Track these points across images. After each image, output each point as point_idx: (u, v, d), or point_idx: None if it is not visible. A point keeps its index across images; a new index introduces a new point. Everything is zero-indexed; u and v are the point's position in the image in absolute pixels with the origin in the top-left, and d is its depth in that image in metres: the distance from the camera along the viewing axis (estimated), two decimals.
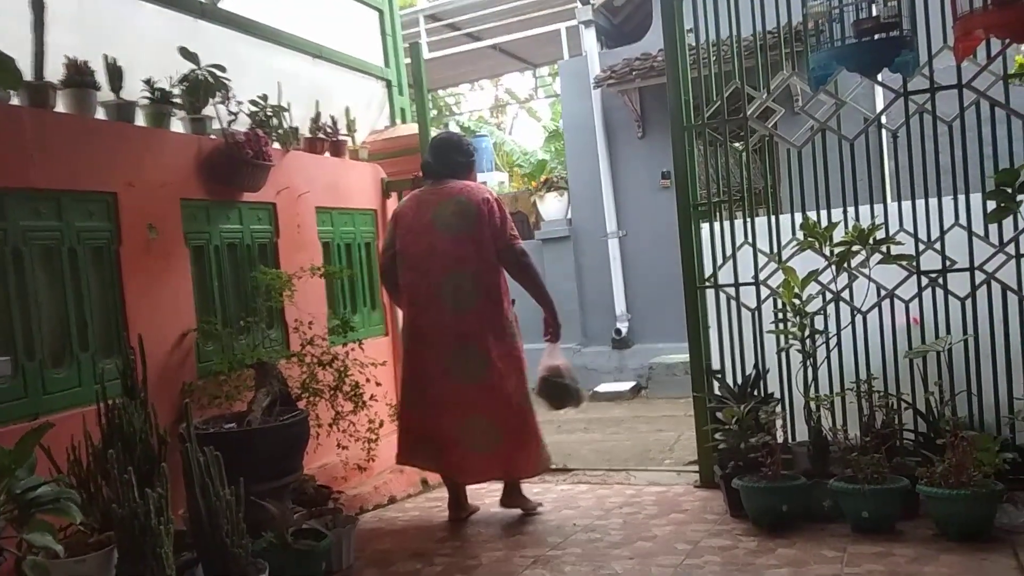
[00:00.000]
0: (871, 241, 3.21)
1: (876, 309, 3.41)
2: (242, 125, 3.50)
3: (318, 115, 4.21)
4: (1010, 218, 3.11)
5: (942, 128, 3.34)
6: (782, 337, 3.44)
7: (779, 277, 3.43)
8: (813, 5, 3.43)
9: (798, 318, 3.30)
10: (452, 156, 3.63)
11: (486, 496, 3.74)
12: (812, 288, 3.34)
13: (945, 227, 3.32)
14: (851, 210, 3.48)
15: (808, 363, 3.33)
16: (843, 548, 2.81)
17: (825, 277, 3.38)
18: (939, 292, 3.33)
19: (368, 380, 3.60)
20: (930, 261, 3.32)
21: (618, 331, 9.11)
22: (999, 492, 2.79)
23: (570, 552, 3.02)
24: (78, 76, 2.90)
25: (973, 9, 2.93)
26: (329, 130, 4.25)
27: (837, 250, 3.27)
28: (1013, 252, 3.19)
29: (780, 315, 3.45)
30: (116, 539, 2.11)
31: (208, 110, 3.38)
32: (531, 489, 3.88)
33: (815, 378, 3.36)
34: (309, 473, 3.40)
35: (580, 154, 9.42)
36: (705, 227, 3.76)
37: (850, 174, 3.48)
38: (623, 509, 3.56)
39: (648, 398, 8.19)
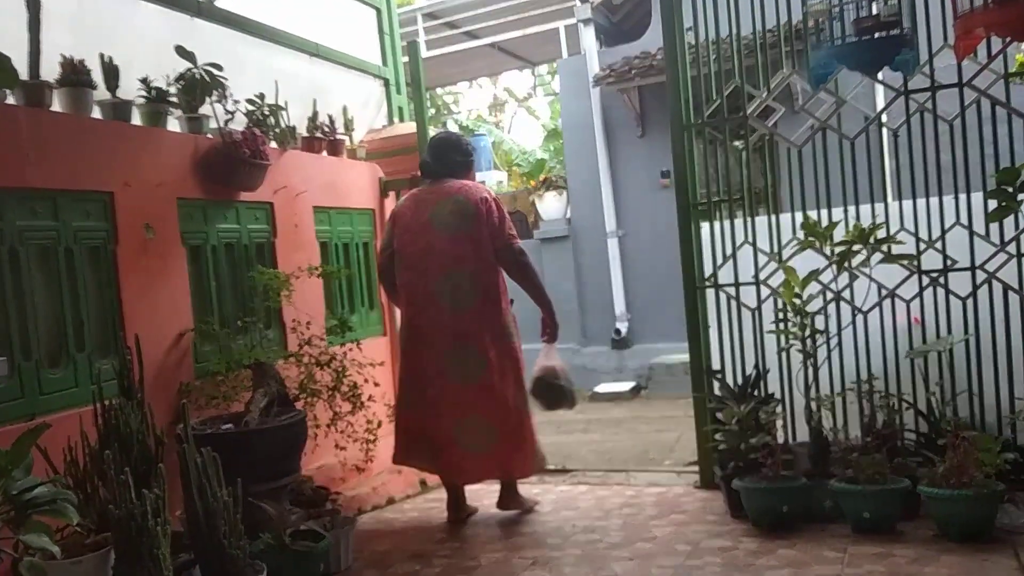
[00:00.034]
0: (872, 240, 3.20)
1: (877, 309, 3.40)
2: (239, 124, 3.48)
3: (315, 114, 4.19)
4: (1011, 217, 3.10)
5: (943, 127, 3.33)
6: (782, 337, 3.43)
7: (779, 277, 3.42)
8: (813, 3, 3.43)
9: (798, 318, 3.29)
10: (451, 156, 3.62)
11: (485, 497, 3.72)
12: (813, 288, 3.33)
13: (946, 226, 3.31)
14: (852, 209, 3.47)
15: (809, 363, 3.32)
16: (844, 549, 2.80)
17: (826, 277, 3.37)
18: (940, 292, 3.32)
19: (366, 380, 3.59)
20: (931, 260, 3.31)
21: (617, 331, 9.10)
22: (1000, 492, 2.79)
23: (570, 553, 3.01)
24: (74, 75, 2.88)
25: (974, 7, 2.92)
26: (327, 129, 4.24)
27: (838, 249, 3.26)
28: (1014, 251, 3.19)
29: (780, 315, 3.44)
30: (113, 540, 2.10)
31: (205, 109, 3.37)
32: (531, 490, 3.88)
33: (816, 378, 3.35)
34: (307, 474, 3.39)
35: (579, 153, 9.41)
36: (705, 226, 3.75)
37: (851, 173, 3.47)
38: (623, 510, 3.55)
39: (648, 398, 8.18)
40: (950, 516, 2.81)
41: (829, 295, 3.42)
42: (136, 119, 3.17)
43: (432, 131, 4.62)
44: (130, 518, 2.04)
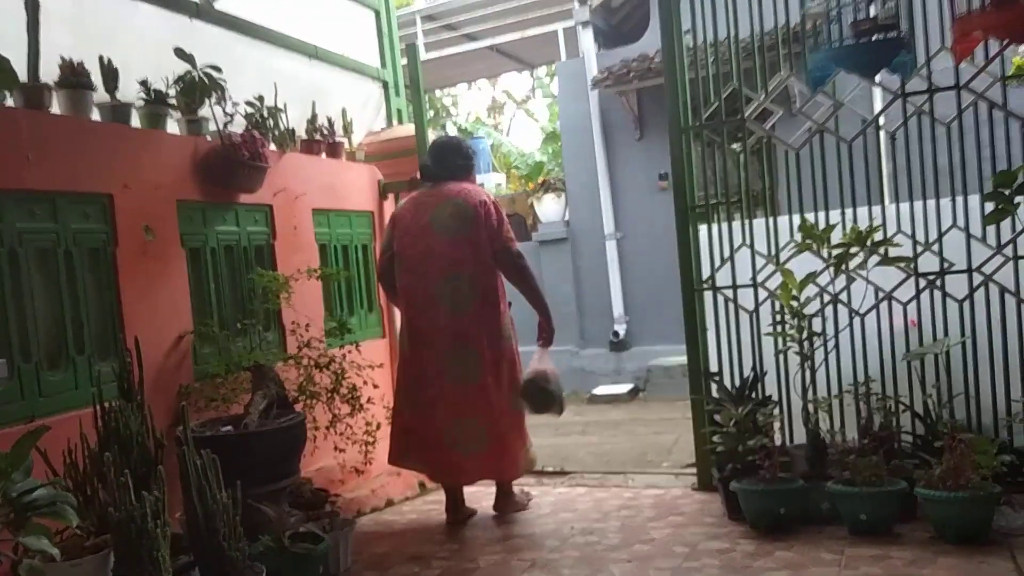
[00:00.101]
0: (869, 243, 3.21)
1: (874, 311, 3.41)
2: (238, 126, 3.49)
3: (315, 116, 4.20)
4: (1008, 220, 3.10)
5: (940, 129, 3.34)
6: (780, 339, 3.44)
7: (777, 279, 3.42)
8: (811, 6, 3.45)
9: (796, 320, 3.30)
10: (451, 159, 3.63)
11: (484, 499, 3.73)
12: (810, 290, 3.34)
13: (943, 229, 3.32)
14: (849, 212, 3.47)
15: (806, 365, 3.33)
16: (841, 551, 2.81)
17: (823, 279, 3.38)
18: (937, 294, 3.33)
19: (365, 382, 3.60)
20: (928, 263, 3.32)
21: (616, 333, 9.11)
22: (997, 495, 2.80)
23: (568, 555, 3.02)
24: (73, 77, 2.88)
25: (971, 10, 2.94)
26: (326, 131, 4.24)
27: (835, 252, 3.27)
28: (1011, 254, 3.19)
29: (778, 317, 3.45)
30: (112, 542, 2.10)
31: (204, 111, 3.37)
32: (530, 492, 3.88)
33: (813, 380, 3.35)
34: (306, 476, 3.39)
35: (577, 155, 9.42)
36: (703, 229, 3.76)
37: (848, 176, 3.48)
38: (621, 512, 3.56)
39: (646, 400, 8.19)
40: (947, 518, 2.81)
41: (826, 297, 3.43)
42: (135, 121, 3.18)
43: (431, 133, 4.64)
44: (130, 520, 2.05)
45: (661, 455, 5.49)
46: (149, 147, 3.15)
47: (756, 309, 3.60)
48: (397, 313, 4.33)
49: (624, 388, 8.48)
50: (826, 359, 3.43)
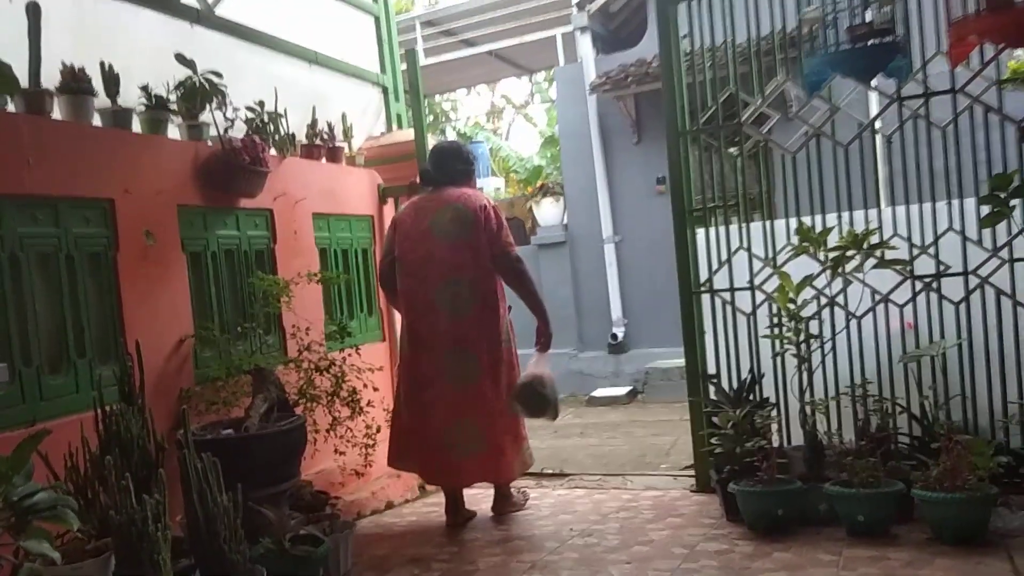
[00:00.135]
0: (865, 246, 3.23)
1: (871, 314, 3.43)
2: (239, 131, 3.51)
3: (315, 121, 4.22)
4: (1004, 223, 3.12)
5: (936, 133, 3.36)
6: (777, 342, 3.46)
7: (774, 282, 3.44)
8: (807, 11, 3.47)
9: (793, 323, 3.32)
10: (452, 164, 3.65)
11: (483, 501, 3.74)
12: (807, 293, 3.35)
13: (939, 232, 3.34)
14: (845, 215, 3.50)
15: (803, 367, 3.34)
16: (839, 552, 2.82)
17: (820, 282, 3.39)
18: (933, 297, 3.35)
19: (365, 385, 3.61)
20: (924, 266, 3.34)
21: (614, 336, 9.13)
22: (993, 496, 2.81)
23: (567, 557, 3.03)
24: (74, 82, 2.90)
25: (967, 15, 2.96)
26: (326, 136, 4.26)
27: (832, 255, 3.29)
28: (1007, 256, 3.21)
29: (775, 320, 3.46)
30: (113, 546, 2.11)
31: (205, 116, 3.39)
32: (529, 494, 3.90)
33: (810, 382, 3.37)
34: (306, 479, 3.40)
35: (576, 159, 9.44)
36: (700, 232, 3.77)
37: (844, 179, 3.50)
38: (620, 514, 3.57)
39: (644, 403, 8.20)
40: (944, 519, 2.82)
41: (823, 300, 3.45)
42: (136, 126, 3.19)
43: (430, 138, 4.65)
44: (131, 523, 2.05)
45: (660, 457, 5.49)
46: (150, 152, 3.17)
47: (754, 312, 3.61)
48: (397, 316, 4.35)
49: (623, 390, 8.49)
50: (823, 361, 3.44)
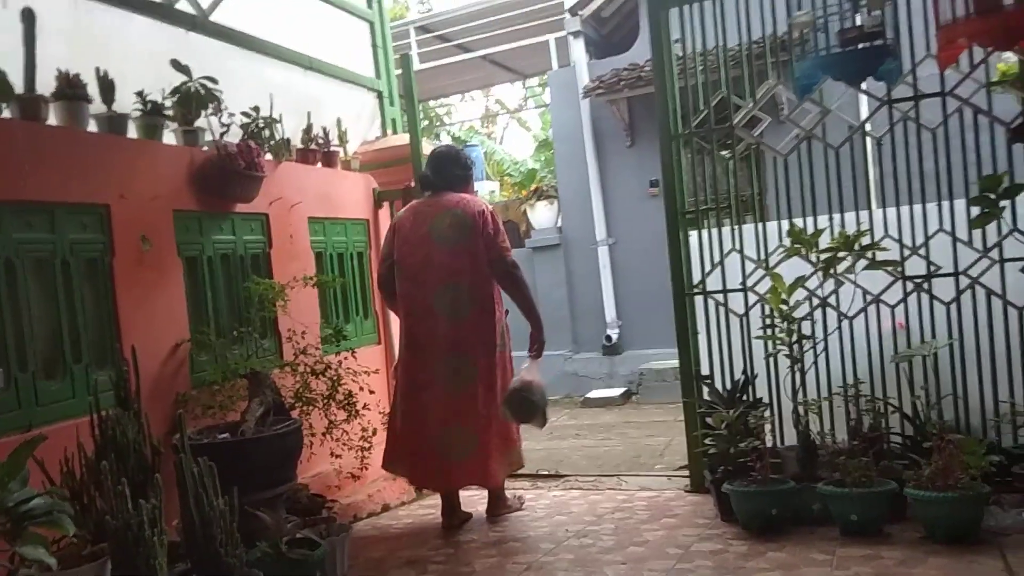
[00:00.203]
0: (857, 247, 3.25)
1: (862, 314, 3.45)
2: (234, 137, 3.52)
3: (310, 126, 4.23)
4: (994, 223, 3.15)
5: (926, 135, 3.38)
6: (770, 342, 3.48)
7: (766, 283, 3.46)
8: (798, 15, 3.49)
9: (785, 324, 3.34)
10: (450, 169, 3.67)
11: (479, 503, 3.75)
12: (799, 294, 3.37)
13: (929, 233, 3.36)
14: (837, 217, 3.52)
15: (796, 368, 3.36)
16: (832, 551, 2.83)
17: (812, 283, 3.42)
18: (924, 297, 3.37)
19: (361, 388, 3.62)
20: (915, 267, 3.36)
21: (608, 337, 9.15)
22: (986, 494, 2.82)
23: (563, 558, 3.04)
24: (70, 89, 2.91)
25: (956, 18, 2.98)
26: (321, 141, 4.27)
27: (823, 256, 3.31)
28: (997, 257, 3.23)
29: (768, 321, 3.49)
30: (110, 551, 2.11)
31: (200, 122, 3.40)
32: (524, 495, 3.91)
33: (803, 383, 3.39)
34: (303, 482, 3.41)
35: (570, 163, 9.47)
36: (693, 234, 3.79)
37: (835, 181, 3.53)
38: (615, 514, 3.58)
39: (638, 404, 8.22)
40: (937, 518, 2.84)
41: (815, 301, 3.47)
42: (132, 132, 3.20)
43: (425, 142, 4.67)
44: (127, 528, 2.06)
45: (654, 458, 5.51)
46: (146, 158, 3.18)
47: (746, 313, 3.63)
48: (393, 319, 4.37)
49: (617, 391, 8.51)
50: (816, 362, 3.47)
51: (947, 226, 3.34)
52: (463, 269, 3.48)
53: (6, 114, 2.74)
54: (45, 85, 2.86)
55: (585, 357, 9.27)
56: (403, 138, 4.89)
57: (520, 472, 3.94)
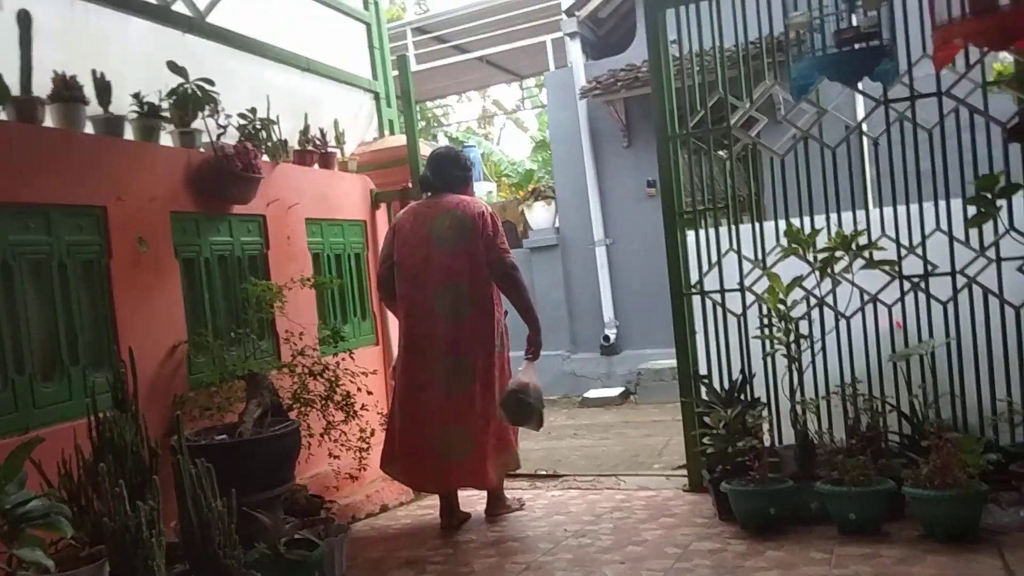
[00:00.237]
0: (854, 247, 3.25)
1: (860, 314, 3.45)
2: (231, 138, 3.52)
3: (307, 127, 4.23)
4: (990, 223, 3.15)
5: (922, 135, 3.39)
6: (767, 342, 3.48)
7: (764, 283, 3.46)
8: (795, 16, 3.49)
9: (783, 323, 3.34)
10: (450, 170, 3.68)
11: (478, 503, 3.75)
12: (796, 294, 3.37)
13: (927, 232, 3.37)
14: (834, 216, 3.52)
15: (793, 367, 3.37)
16: (830, 550, 2.84)
17: (809, 283, 3.42)
18: (921, 296, 3.38)
19: (359, 389, 3.62)
20: (912, 266, 3.37)
21: (606, 337, 9.15)
22: (984, 493, 2.83)
23: (561, 558, 3.04)
24: (66, 91, 2.90)
25: (952, 18, 2.98)
26: (318, 142, 4.28)
27: (820, 256, 3.31)
28: (994, 256, 3.24)
29: (765, 320, 3.49)
30: (107, 552, 2.11)
31: (197, 123, 3.40)
32: (523, 495, 3.91)
33: (801, 382, 3.39)
34: (301, 483, 3.41)
35: (567, 164, 9.48)
36: (691, 234, 3.80)
37: (832, 181, 3.53)
38: (613, 514, 3.59)
39: (637, 403, 8.23)
40: (935, 517, 2.84)
41: (813, 301, 3.47)
42: (128, 134, 3.20)
43: (422, 143, 4.67)
44: (124, 530, 2.06)
45: (652, 457, 5.52)
46: (142, 159, 3.17)
47: (744, 313, 3.64)
48: (391, 320, 4.36)
49: (615, 391, 8.52)
50: (813, 361, 3.47)
51: (944, 225, 3.35)
52: (463, 270, 3.49)
53: (2, 116, 2.74)
54: (41, 87, 2.86)
55: (583, 357, 9.28)
56: (400, 139, 4.89)
57: (518, 472, 3.95)
